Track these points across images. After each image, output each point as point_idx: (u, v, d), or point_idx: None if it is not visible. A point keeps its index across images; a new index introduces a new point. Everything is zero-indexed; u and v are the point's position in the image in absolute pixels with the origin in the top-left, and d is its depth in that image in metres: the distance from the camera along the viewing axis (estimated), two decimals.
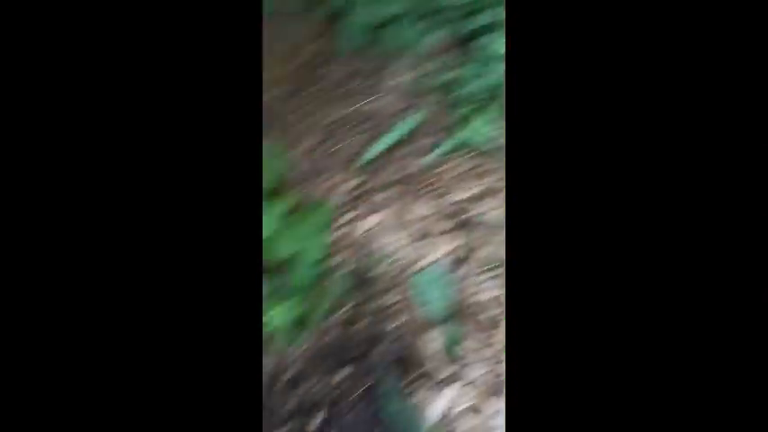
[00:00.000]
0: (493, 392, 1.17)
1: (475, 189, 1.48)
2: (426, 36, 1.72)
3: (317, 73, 1.80)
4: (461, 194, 1.47)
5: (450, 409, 1.17)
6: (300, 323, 1.30)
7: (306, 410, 1.26)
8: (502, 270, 1.29)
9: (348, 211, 1.48)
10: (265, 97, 1.73)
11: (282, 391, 1.27)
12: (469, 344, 1.24)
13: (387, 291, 1.37)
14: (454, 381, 1.20)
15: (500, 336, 1.22)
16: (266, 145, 1.51)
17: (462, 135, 1.50)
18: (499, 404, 1.15)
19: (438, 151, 1.50)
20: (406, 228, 1.40)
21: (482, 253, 1.35)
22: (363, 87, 1.75)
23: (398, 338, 1.24)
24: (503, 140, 1.52)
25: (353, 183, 1.53)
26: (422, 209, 1.44)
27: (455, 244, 1.37)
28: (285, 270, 1.31)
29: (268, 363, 1.29)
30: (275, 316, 1.25)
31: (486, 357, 1.21)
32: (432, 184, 1.49)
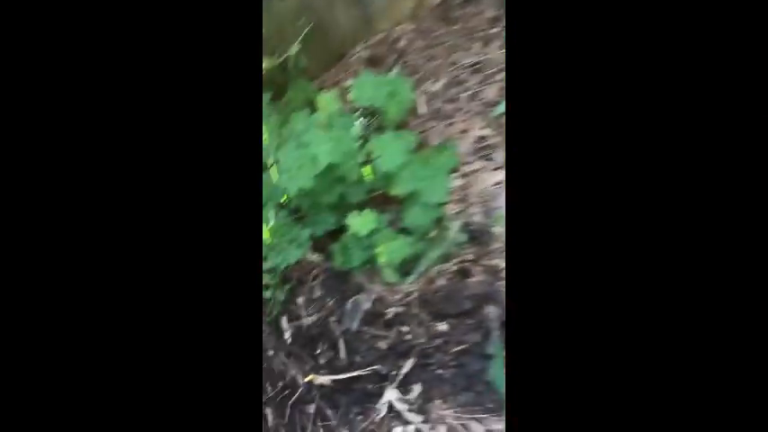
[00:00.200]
0: None
1: None
2: None
3: (454, 14, 1.65)
4: None
5: None
6: (409, 264, 1.24)
7: (395, 355, 1.22)
8: None
9: (473, 161, 1.37)
10: (395, 34, 1.62)
11: (375, 329, 1.23)
12: None
13: (502, 252, 1.27)
14: None
15: None
16: (394, 77, 1.40)
17: None
18: None
19: None
20: None
21: None
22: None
23: None
24: None
25: (483, 133, 1.41)
26: None
27: None
28: (401, 206, 1.23)
29: (370, 296, 1.25)
30: (385, 251, 1.18)
31: None
32: None
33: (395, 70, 1.56)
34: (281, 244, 1.19)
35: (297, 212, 1.24)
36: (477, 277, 1.25)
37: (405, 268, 1.24)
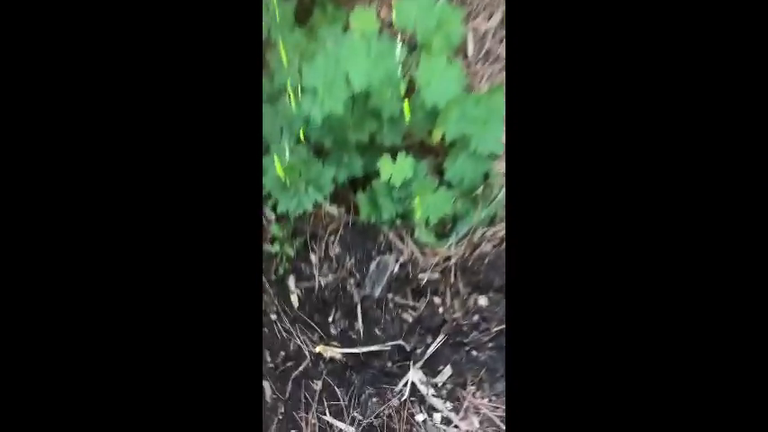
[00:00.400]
0: None
1: None
2: None
3: None
4: None
5: None
6: (449, 224, 1.04)
7: (423, 330, 1.03)
8: None
9: None
10: None
11: (401, 297, 1.04)
12: None
13: None
14: None
15: None
16: (443, 4, 1.18)
17: None
18: None
19: None
20: None
21: None
22: None
23: None
24: None
25: None
26: None
27: None
28: (445, 154, 1.03)
29: (399, 258, 1.05)
30: (422, 206, 0.98)
31: None
32: None
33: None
34: (295, 185, 0.98)
35: (319, 150, 1.03)
36: None
37: (443, 228, 1.04)
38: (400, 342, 1.02)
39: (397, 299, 1.03)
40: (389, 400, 0.99)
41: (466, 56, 1.24)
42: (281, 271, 1.10)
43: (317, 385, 1.03)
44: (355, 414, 1.00)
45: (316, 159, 0.98)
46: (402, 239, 1.05)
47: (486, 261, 1.01)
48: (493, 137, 1.02)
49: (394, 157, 1.02)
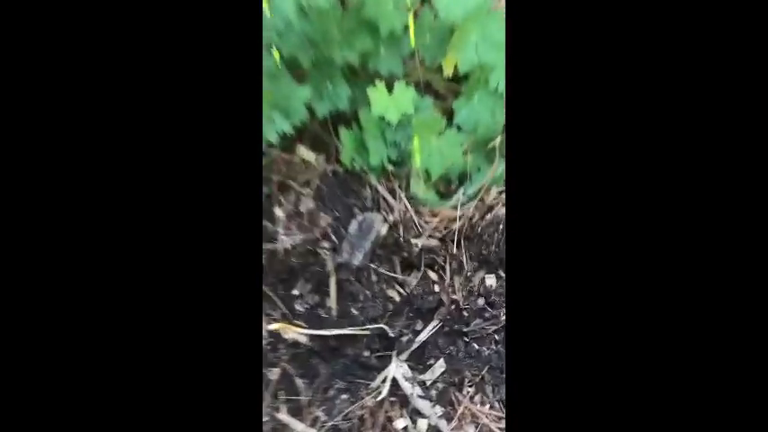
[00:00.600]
0: None
1: None
2: None
3: None
4: None
5: None
6: (456, 178, 0.82)
7: (411, 312, 0.82)
8: None
9: None
10: None
11: (388, 269, 0.82)
12: None
13: None
14: None
15: None
16: None
17: None
18: None
19: None
20: None
21: None
22: None
23: None
24: None
25: None
26: None
27: None
28: (457, 90, 0.81)
29: (387, 217, 0.83)
30: (423, 151, 0.76)
31: None
32: None
33: None
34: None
35: (294, 71, 0.81)
36: None
37: (447, 184, 0.82)
38: (382, 326, 0.80)
39: (382, 270, 0.81)
40: (363, 398, 0.78)
41: None
42: None
43: (273, 374, 0.81)
44: (319, 413, 0.79)
45: (287, 76, 0.76)
46: (393, 194, 0.82)
47: (500, 229, 0.80)
48: None
49: (390, 87, 0.80)
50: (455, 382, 0.76)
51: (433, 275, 0.81)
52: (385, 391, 0.78)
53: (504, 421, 0.75)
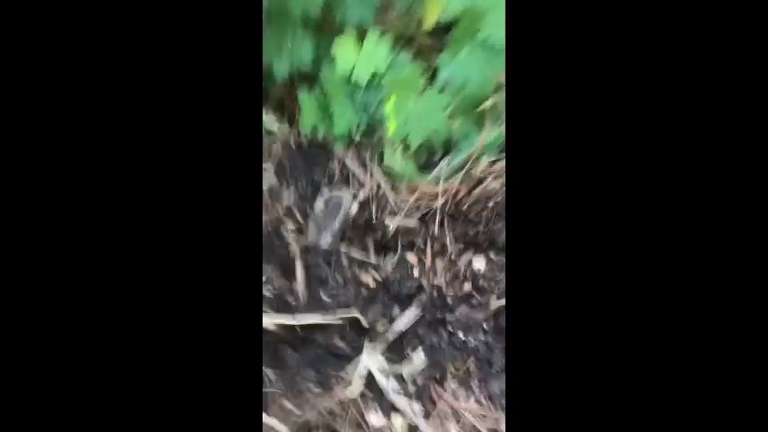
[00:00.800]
0: None
1: None
2: None
3: None
4: None
5: None
6: (439, 149, 0.71)
7: (388, 299, 0.74)
8: None
9: None
10: None
11: (360, 251, 0.73)
12: None
13: None
14: None
15: None
16: None
17: None
18: None
19: None
20: None
21: None
22: None
23: None
24: None
25: None
26: None
27: None
28: (440, 45, 0.69)
29: (359, 193, 0.73)
30: (398, 115, 0.66)
31: None
32: None
33: None
34: None
35: None
36: None
37: (429, 154, 0.72)
38: (355, 314, 0.73)
39: (354, 252, 0.73)
40: (335, 391, 0.72)
41: None
42: None
43: None
44: (290, 406, 0.73)
45: None
46: (365, 167, 0.72)
47: (491, 206, 0.70)
48: None
49: (360, 38, 0.69)
50: (437, 376, 0.69)
51: (412, 258, 0.72)
52: (359, 384, 0.72)
53: (490, 419, 0.68)
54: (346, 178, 0.71)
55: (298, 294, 0.74)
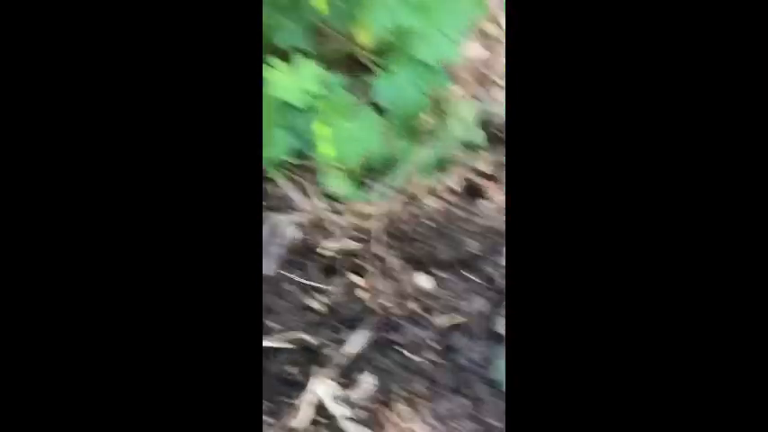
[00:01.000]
0: None
1: None
2: None
3: None
4: None
5: None
6: (376, 168, 0.71)
7: (336, 323, 0.72)
8: None
9: None
10: None
11: (303, 276, 0.72)
12: None
13: None
14: None
15: None
16: None
17: None
18: None
19: None
20: None
21: None
22: None
23: None
24: None
25: None
26: None
27: None
28: (374, 62, 0.69)
29: (299, 219, 0.72)
30: (333, 138, 0.65)
31: None
32: None
33: None
34: None
35: None
36: (494, 203, 0.73)
37: (367, 175, 0.71)
38: (304, 336, 0.71)
39: (298, 277, 0.71)
40: (284, 419, 0.70)
41: None
42: None
43: None
44: None
45: None
46: (303, 191, 0.73)
47: (432, 223, 0.69)
48: (447, 37, 0.68)
49: (293, 61, 0.68)
50: (384, 400, 0.67)
51: (356, 280, 0.71)
52: (308, 412, 0.70)
53: None
54: (286, 204, 0.70)
55: None
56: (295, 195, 0.72)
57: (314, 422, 0.71)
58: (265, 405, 0.75)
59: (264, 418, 0.75)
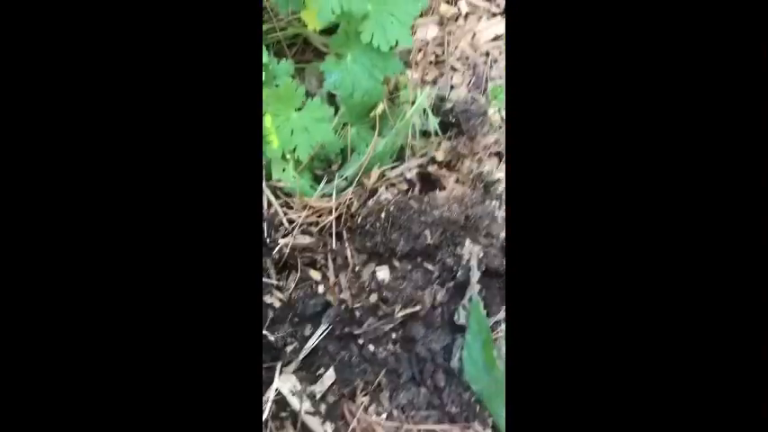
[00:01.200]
0: None
1: None
2: None
3: None
4: None
5: None
6: (329, 160, 0.68)
7: (294, 318, 0.70)
8: None
9: None
10: None
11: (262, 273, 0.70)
12: None
13: (500, 153, 0.74)
14: None
15: None
16: None
17: None
18: None
19: None
20: None
21: None
22: None
23: None
24: None
25: None
26: None
27: None
28: (323, 49, 0.65)
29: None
30: (281, 131, 0.62)
31: None
32: None
33: None
34: None
35: None
36: (452, 191, 0.72)
37: (320, 167, 0.69)
38: (265, 333, 0.70)
39: None
40: None
41: None
42: None
43: None
44: None
45: None
46: None
47: (388, 215, 0.67)
48: (400, 21, 0.65)
49: None
50: (345, 393, 0.67)
51: (314, 275, 0.69)
52: (267, 407, 0.69)
53: (402, 431, 0.67)
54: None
55: None
56: None
57: (276, 417, 0.70)
58: None
59: None
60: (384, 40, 0.66)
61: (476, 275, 0.69)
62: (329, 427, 0.68)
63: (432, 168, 0.72)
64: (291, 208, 0.65)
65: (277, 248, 0.65)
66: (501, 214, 0.70)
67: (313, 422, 0.69)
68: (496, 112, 0.74)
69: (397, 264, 0.71)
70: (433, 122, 0.71)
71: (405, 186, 0.69)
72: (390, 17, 0.65)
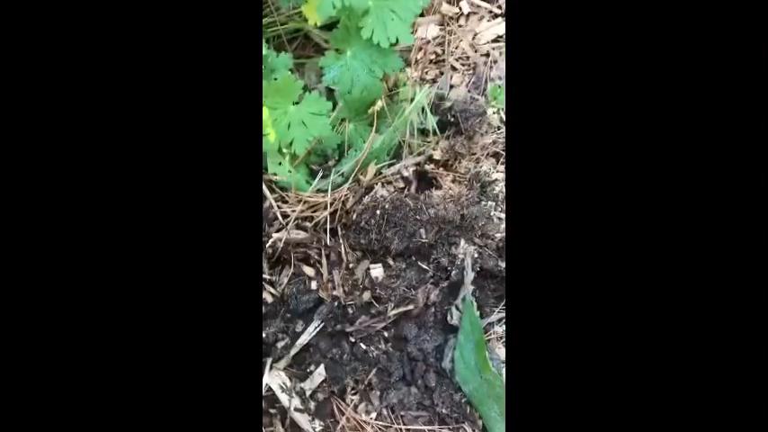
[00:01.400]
0: None
1: None
2: None
3: None
4: None
5: None
6: (326, 156, 0.67)
7: (285, 315, 0.69)
8: None
9: None
10: None
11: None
12: None
13: (500, 153, 0.73)
14: None
15: None
16: None
17: None
18: None
19: None
20: None
21: None
22: None
23: None
24: None
25: None
26: None
27: None
28: (324, 46, 0.64)
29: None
30: (277, 124, 0.61)
31: None
32: None
33: None
34: None
35: None
36: (449, 190, 0.71)
37: (316, 162, 0.68)
38: None
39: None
40: None
41: None
42: None
43: None
44: None
45: None
46: None
47: (383, 212, 0.67)
48: (401, 18, 0.64)
49: None
50: (335, 391, 0.66)
51: (308, 271, 0.68)
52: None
53: (391, 431, 0.66)
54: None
55: None
56: None
57: (265, 413, 0.69)
58: None
59: None
60: (384, 37, 0.66)
61: (470, 276, 0.68)
62: (318, 424, 0.67)
63: (428, 167, 0.72)
64: (286, 202, 0.64)
65: (270, 242, 0.64)
66: (497, 215, 0.69)
67: (302, 419, 0.68)
68: (495, 113, 0.73)
69: (391, 262, 0.70)
70: (432, 121, 0.70)
71: (401, 184, 0.68)
72: (391, 14, 0.65)
